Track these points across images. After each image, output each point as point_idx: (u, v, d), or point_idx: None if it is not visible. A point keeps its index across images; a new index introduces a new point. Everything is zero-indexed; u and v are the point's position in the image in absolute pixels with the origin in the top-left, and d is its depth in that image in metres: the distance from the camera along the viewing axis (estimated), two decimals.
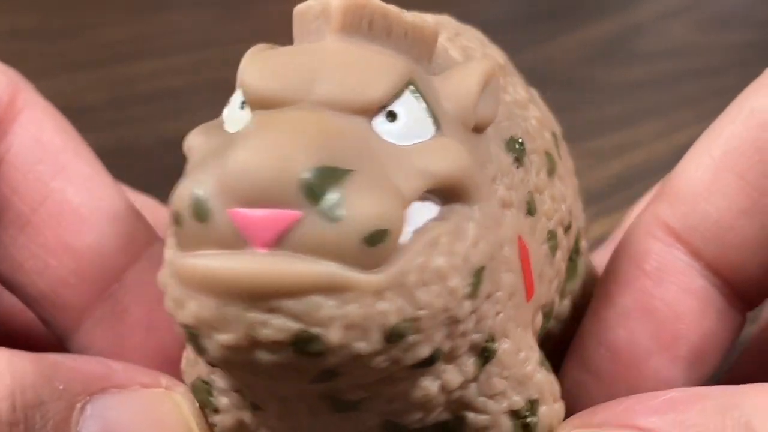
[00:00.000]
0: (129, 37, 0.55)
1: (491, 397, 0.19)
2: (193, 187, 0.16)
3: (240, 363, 0.16)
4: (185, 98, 0.45)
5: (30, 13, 0.59)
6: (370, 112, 0.17)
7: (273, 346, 0.16)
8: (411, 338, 0.16)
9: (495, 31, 0.24)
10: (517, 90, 0.22)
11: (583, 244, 0.24)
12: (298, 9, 0.18)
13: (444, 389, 0.18)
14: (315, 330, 0.16)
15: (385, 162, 0.17)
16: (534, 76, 0.24)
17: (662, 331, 0.23)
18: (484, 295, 0.18)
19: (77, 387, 0.18)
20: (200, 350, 0.16)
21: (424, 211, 0.17)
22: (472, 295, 0.17)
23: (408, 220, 0.16)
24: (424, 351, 0.17)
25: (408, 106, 0.17)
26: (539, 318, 0.21)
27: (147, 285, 0.21)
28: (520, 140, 0.20)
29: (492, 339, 0.18)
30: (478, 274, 0.17)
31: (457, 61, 0.20)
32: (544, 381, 0.20)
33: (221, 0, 0.59)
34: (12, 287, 0.22)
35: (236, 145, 0.16)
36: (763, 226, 0.22)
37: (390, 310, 0.16)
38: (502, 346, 0.19)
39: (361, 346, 0.16)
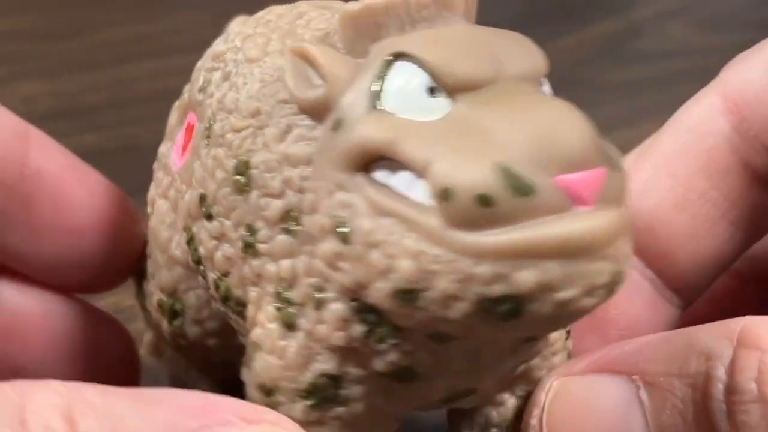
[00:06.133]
0: (129, 37, 0.55)
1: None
2: (496, 169, 0.17)
3: (563, 315, 0.18)
4: None
5: (30, 13, 0.59)
6: (539, 79, 0.19)
7: (599, 290, 0.18)
8: None
9: None
10: None
11: None
12: (392, 3, 0.20)
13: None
14: (622, 267, 0.18)
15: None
16: None
17: (596, 314, 0.24)
18: None
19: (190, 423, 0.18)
20: (516, 314, 0.17)
21: None
22: None
23: None
24: None
25: None
26: None
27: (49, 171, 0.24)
28: None
29: None
30: None
31: None
32: None
33: (221, 0, 0.59)
34: None
35: (517, 124, 0.18)
36: (691, 218, 0.25)
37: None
38: None
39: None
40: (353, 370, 0.20)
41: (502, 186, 0.17)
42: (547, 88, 0.20)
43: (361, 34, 0.20)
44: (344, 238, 0.18)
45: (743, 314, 0.23)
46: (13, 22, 0.57)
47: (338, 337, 0.19)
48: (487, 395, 0.22)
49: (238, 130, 0.21)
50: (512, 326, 0.18)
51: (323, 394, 0.20)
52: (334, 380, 0.20)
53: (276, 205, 0.20)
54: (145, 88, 0.50)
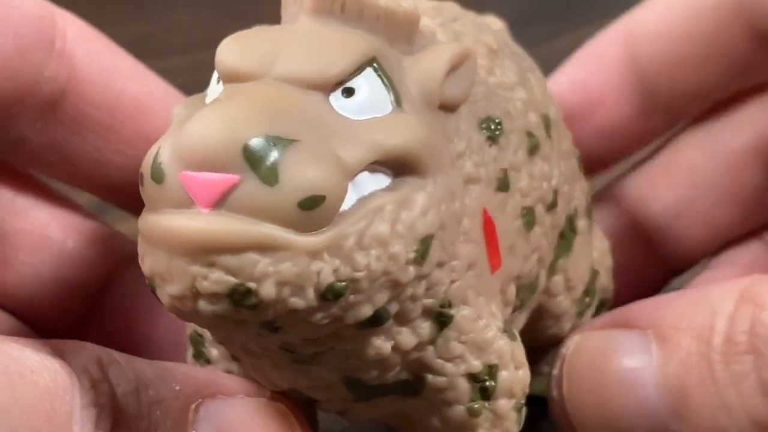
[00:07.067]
0: (129, 37, 0.55)
1: (449, 360, 0.20)
2: (154, 151, 0.18)
3: (186, 313, 0.18)
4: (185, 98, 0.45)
5: None
6: (326, 87, 0.18)
7: (212, 297, 0.17)
8: (351, 298, 0.18)
9: None
10: (506, 73, 0.23)
11: (582, 223, 0.25)
12: None
13: (398, 349, 0.19)
14: (250, 284, 0.17)
15: (333, 134, 0.18)
16: None
17: (583, 106, 0.29)
18: (434, 263, 0.19)
19: (191, 389, 0.20)
20: (159, 300, 0.18)
21: (373, 182, 0.18)
22: (418, 261, 0.18)
23: (356, 188, 0.18)
24: (366, 311, 0.18)
25: (367, 83, 0.19)
26: (512, 289, 0.22)
27: None
28: (497, 120, 0.21)
29: (448, 305, 0.20)
30: (425, 242, 0.18)
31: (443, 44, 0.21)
32: (505, 348, 0.21)
33: (221, 0, 0.60)
34: (95, 185, 0.25)
35: (195, 115, 0.18)
36: (694, 50, 0.28)
37: (325, 270, 0.17)
38: (461, 313, 0.20)
39: (296, 301, 0.17)
40: (208, 333, 0.21)
41: (149, 169, 0.18)
42: (341, 101, 0.19)
43: None
44: None
45: None
46: None
47: None
48: (346, 413, 0.22)
49: None
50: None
51: (196, 348, 0.22)
52: (201, 338, 0.21)
53: None
54: None
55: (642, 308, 0.24)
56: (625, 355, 0.23)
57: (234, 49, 0.19)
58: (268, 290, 0.17)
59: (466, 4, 0.25)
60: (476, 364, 0.20)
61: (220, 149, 0.17)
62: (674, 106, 0.29)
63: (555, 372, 0.24)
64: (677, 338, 0.22)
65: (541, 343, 0.26)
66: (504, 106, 0.22)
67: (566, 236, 0.24)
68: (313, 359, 0.20)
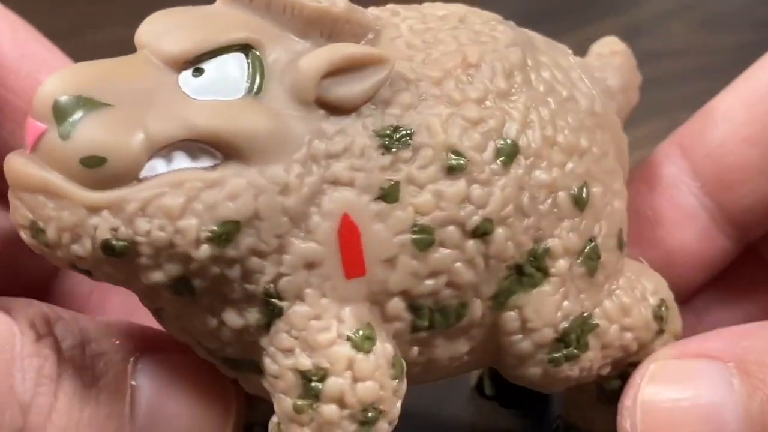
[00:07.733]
0: (129, 37, 0.55)
1: (280, 350, 0.21)
2: None
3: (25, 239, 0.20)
4: None
5: (30, 13, 0.59)
6: (176, 64, 0.20)
7: (23, 228, 0.20)
8: (138, 260, 0.19)
9: None
10: (463, 88, 0.22)
11: (564, 265, 0.23)
12: None
13: (226, 327, 0.20)
14: (41, 224, 0.19)
15: (156, 107, 0.19)
16: None
17: (643, 231, 0.25)
18: (245, 249, 0.19)
19: (130, 344, 0.22)
20: None
21: (190, 160, 0.19)
22: (215, 242, 0.19)
23: (169, 161, 0.19)
24: (157, 276, 0.19)
25: (227, 66, 0.20)
26: (395, 304, 0.21)
27: None
28: (408, 131, 0.21)
29: (277, 297, 0.20)
30: (227, 226, 0.19)
31: (397, 49, 0.22)
32: (341, 355, 0.20)
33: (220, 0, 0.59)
34: None
35: None
36: (762, 155, 0.25)
37: (102, 226, 0.19)
38: (294, 308, 0.20)
39: (77, 249, 0.19)
40: None
41: None
42: (188, 79, 0.20)
43: None
44: None
45: None
46: None
47: None
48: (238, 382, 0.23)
49: None
50: None
51: None
52: None
53: None
54: None
55: (722, 338, 0.22)
56: (706, 389, 0.22)
57: (146, 22, 0.21)
58: (51, 233, 0.19)
59: (467, 4, 0.25)
60: (305, 362, 0.20)
61: (41, 101, 0.19)
62: (746, 222, 0.26)
63: (628, 402, 0.23)
64: (762, 374, 0.21)
65: (517, 382, 0.24)
66: (428, 120, 0.21)
67: (528, 273, 0.23)
68: (157, 314, 0.21)
